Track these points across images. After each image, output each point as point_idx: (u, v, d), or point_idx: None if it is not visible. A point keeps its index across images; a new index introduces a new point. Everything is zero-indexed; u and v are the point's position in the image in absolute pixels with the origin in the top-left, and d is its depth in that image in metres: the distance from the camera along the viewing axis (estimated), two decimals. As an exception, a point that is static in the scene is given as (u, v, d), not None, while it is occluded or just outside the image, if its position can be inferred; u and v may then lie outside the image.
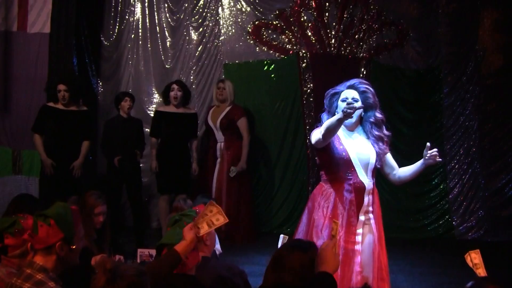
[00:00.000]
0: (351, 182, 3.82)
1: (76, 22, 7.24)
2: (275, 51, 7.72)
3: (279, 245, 3.33)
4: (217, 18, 7.76)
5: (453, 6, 7.61)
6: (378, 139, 3.90)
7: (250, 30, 7.71)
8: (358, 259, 3.75)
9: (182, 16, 7.84)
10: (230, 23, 7.76)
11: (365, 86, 3.92)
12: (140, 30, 7.86)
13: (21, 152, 7.27)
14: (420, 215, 7.63)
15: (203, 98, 7.81)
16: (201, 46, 7.80)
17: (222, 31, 7.76)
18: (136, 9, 7.87)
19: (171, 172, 6.72)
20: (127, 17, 7.88)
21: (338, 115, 3.57)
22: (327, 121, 3.67)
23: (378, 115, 3.91)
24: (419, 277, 5.79)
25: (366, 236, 3.81)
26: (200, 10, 7.80)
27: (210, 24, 7.78)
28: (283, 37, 7.70)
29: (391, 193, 7.36)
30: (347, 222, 3.78)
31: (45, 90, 6.64)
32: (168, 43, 7.87)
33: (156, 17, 7.83)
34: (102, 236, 4.32)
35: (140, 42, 7.86)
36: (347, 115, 3.49)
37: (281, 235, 3.37)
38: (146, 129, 7.01)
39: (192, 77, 7.81)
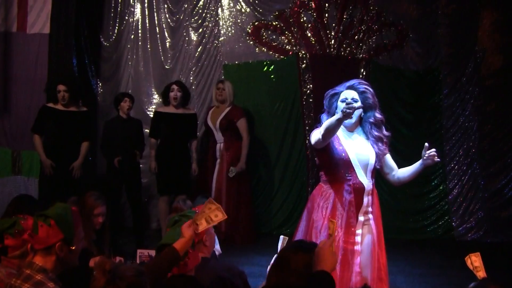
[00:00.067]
0: (351, 182, 3.82)
1: (75, 22, 7.25)
2: (274, 52, 7.72)
3: (279, 246, 3.34)
4: (217, 18, 7.76)
5: (453, 7, 7.62)
6: (378, 139, 3.91)
7: (249, 31, 7.71)
8: (357, 259, 3.75)
9: (181, 17, 7.85)
10: (230, 23, 7.76)
11: (364, 86, 3.93)
12: (139, 31, 7.86)
13: (20, 152, 7.27)
14: (419, 216, 7.63)
15: (203, 99, 7.81)
16: (200, 47, 7.80)
17: (222, 31, 7.76)
18: (135, 10, 7.87)
19: (170, 173, 6.72)
20: (126, 17, 7.88)
21: (337, 115, 3.57)
22: (327, 121, 3.68)
23: (378, 115, 3.92)
24: (419, 278, 5.79)
25: (366, 236, 3.82)
26: (200, 11, 7.80)
27: (210, 25, 7.78)
28: (282, 38, 7.70)
29: (391, 194, 7.36)
30: (346, 223, 3.78)
31: (44, 90, 6.64)
32: (167, 44, 7.88)
33: (155, 18, 7.83)
34: (102, 237, 4.32)
35: (140, 43, 7.86)
36: (346, 115, 3.49)
37: (281, 236, 3.37)
38: (146, 130, 7.01)
39: (191, 78, 7.81)
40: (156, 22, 7.83)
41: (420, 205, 7.64)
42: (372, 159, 3.87)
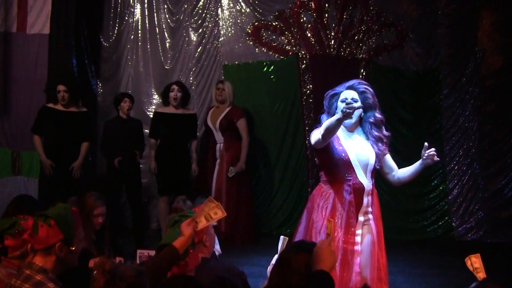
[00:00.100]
0: (351, 183, 3.82)
1: (75, 23, 7.25)
2: (274, 52, 7.72)
3: (279, 246, 3.34)
4: (217, 19, 7.76)
5: (453, 7, 7.62)
6: (378, 139, 3.90)
7: (249, 31, 7.71)
8: (357, 259, 3.75)
9: (181, 17, 7.85)
10: (230, 24, 7.76)
11: (364, 86, 3.93)
12: (139, 31, 7.86)
13: (20, 153, 7.27)
14: (419, 216, 7.63)
15: (203, 99, 7.81)
16: (200, 47, 7.80)
17: (222, 32, 7.76)
18: (135, 10, 7.87)
19: (170, 173, 6.73)
20: (126, 18, 7.88)
21: (337, 115, 3.57)
22: (327, 121, 3.68)
23: (378, 115, 3.92)
24: (419, 278, 5.78)
25: (365, 237, 3.82)
26: (200, 11, 7.80)
27: (210, 25, 7.78)
28: (282, 38, 7.70)
29: (391, 194, 7.36)
30: (346, 223, 3.78)
31: (44, 91, 6.65)
32: (167, 44, 7.87)
33: (155, 18, 7.84)
34: (102, 237, 4.32)
35: (140, 43, 7.86)
36: (346, 115, 3.49)
37: (281, 236, 3.37)
38: (146, 130, 7.01)
39: (191, 78, 7.81)
40: (156, 23, 7.84)
41: (420, 205, 7.64)
42: (372, 159, 3.87)
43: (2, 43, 7.19)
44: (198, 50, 7.80)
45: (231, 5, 7.74)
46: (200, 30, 7.80)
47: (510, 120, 7.54)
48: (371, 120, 3.91)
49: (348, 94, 3.89)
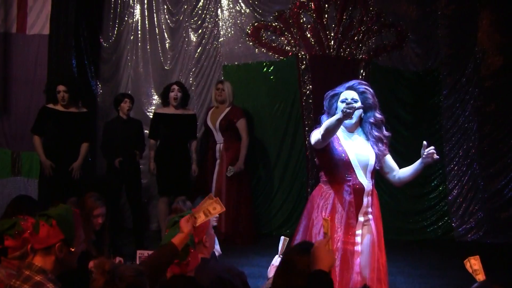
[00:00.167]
0: (351, 183, 3.82)
1: (75, 23, 7.24)
2: (274, 53, 7.72)
3: (280, 246, 3.34)
4: (216, 19, 7.76)
5: (452, 7, 7.62)
6: (378, 140, 3.90)
7: (249, 31, 7.71)
8: (357, 260, 3.75)
9: (181, 18, 7.85)
10: (229, 24, 7.76)
11: (364, 87, 3.93)
12: (139, 32, 7.86)
13: (20, 153, 7.28)
14: (419, 216, 7.63)
15: (202, 100, 7.81)
16: (200, 48, 7.80)
17: (221, 32, 7.76)
18: (135, 11, 7.87)
19: (170, 174, 6.72)
20: (126, 18, 7.88)
21: (337, 115, 3.57)
22: (327, 121, 3.68)
23: (378, 115, 3.92)
24: (418, 279, 5.78)
25: (365, 237, 3.82)
26: (199, 11, 7.80)
27: (209, 26, 7.78)
28: (282, 38, 7.70)
29: (390, 195, 7.36)
30: (346, 224, 3.78)
31: (44, 91, 6.65)
32: (167, 45, 7.87)
33: (155, 19, 7.84)
34: (101, 238, 4.32)
35: (139, 44, 7.86)
36: (346, 115, 3.49)
37: (282, 237, 3.38)
38: (146, 131, 7.01)
39: (191, 79, 7.81)
40: (156, 23, 7.84)
41: (420, 205, 7.64)
42: (372, 160, 3.87)
43: (2, 44, 7.20)
44: (198, 51, 7.80)
45: (231, 5, 7.74)
46: (200, 31, 7.80)
47: (510, 120, 7.54)
48: (371, 120, 3.91)
49: (348, 95, 3.88)
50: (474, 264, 2.77)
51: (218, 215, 4.67)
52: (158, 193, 6.96)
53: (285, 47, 7.70)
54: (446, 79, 7.64)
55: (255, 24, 7.71)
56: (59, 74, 6.90)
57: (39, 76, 7.15)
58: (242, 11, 7.73)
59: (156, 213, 7.38)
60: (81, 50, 7.64)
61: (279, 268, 2.50)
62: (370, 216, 3.86)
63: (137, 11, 7.87)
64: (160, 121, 6.85)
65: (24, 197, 4.43)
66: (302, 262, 2.41)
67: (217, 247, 4.50)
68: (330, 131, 3.64)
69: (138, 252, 4.13)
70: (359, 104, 3.81)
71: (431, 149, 3.70)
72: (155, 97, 7.74)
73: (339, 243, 3.73)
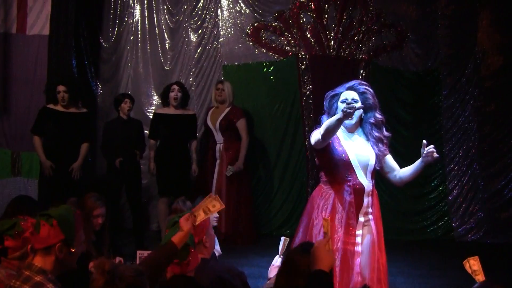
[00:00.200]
0: (351, 183, 3.82)
1: (75, 24, 7.25)
2: (274, 53, 7.72)
3: (280, 247, 3.34)
4: (216, 20, 7.77)
5: (452, 8, 7.62)
6: (378, 140, 3.90)
7: (249, 32, 7.71)
8: (357, 260, 3.75)
9: (181, 18, 7.85)
10: (229, 25, 7.76)
11: (364, 87, 3.93)
12: (139, 32, 7.86)
13: (20, 154, 7.28)
14: (419, 217, 7.63)
15: (202, 100, 7.81)
16: (200, 48, 7.80)
17: (221, 33, 7.76)
18: (135, 11, 7.87)
19: (170, 174, 6.72)
20: (126, 19, 7.88)
21: (337, 115, 3.57)
22: (327, 121, 3.68)
23: (378, 116, 3.92)
24: (418, 279, 5.78)
25: (365, 237, 3.81)
26: (199, 12, 7.80)
27: (209, 26, 7.78)
28: (282, 39, 7.70)
29: (390, 195, 7.36)
30: (346, 224, 3.78)
31: (44, 92, 6.65)
32: (167, 45, 7.88)
33: (155, 19, 7.84)
34: (101, 238, 4.32)
35: (139, 44, 7.86)
36: (346, 114, 3.49)
37: (282, 237, 3.37)
38: (146, 131, 7.01)
39: (191, 79, 7.81)
40: (156, 23, 7.84)
41: (420, 206, 7.64)
42: (372, 160, 3.87)
43: (1, 44, 7.20)
44: (198, 51, 7.81)
45: (231, 6, 7.74)
46: (200, 31, 7.80)
47: (510, 120, 7.54)
48: (372, 121, 3.91)
49: (349, 95, 3.88)
50: (473, 264, 2.77)
51: (218, 215, 4.70)
52: (158, 194, 6.96)
53: (285, 47, 7.70)
54: (446, 79, 7.64)
55: (255, 24, 7.71)
56: (59, 74, 6.91)
57: (39, 76, 7.15)
58: (242, 11, 7.73)
59: (156, 213, 7.38)
60: (81, 51, 7.65)
61: (281, 268, 2.51)
62: (370, 217, 3.86)
63: (137, 11, 7.87)
64: (160, 121, 6.85)
65: (24, 197, 4.43)
66: (304, 262, 2.41)
67: (217, 247, 4.50)
68: (330, 131, 3.64)
69: (138, 252, 4.13)
70: (359, 104, 3.81)
71: (430, 147, 3.70)
72: (155, 97, 7.74)
73: (339, 243, 3.73)
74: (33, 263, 2.49)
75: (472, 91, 7.60)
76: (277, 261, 3.25)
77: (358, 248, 3.77)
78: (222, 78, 7.60)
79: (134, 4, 7.85)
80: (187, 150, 6.90)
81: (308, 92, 7.63)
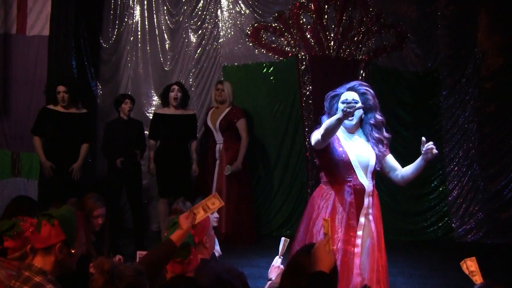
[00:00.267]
0: (351, 184, 3.82)
1: (75, 24, 7.25)
2: (274, 54, 7.72)
3: (280, 247, 3.33)
4: (216, 20, 7.77)
5: (452, 8, 7.62)
6: (378, 141, 3.91)
7: (249, 32, 7.71)
8: (357, 261, 3.75)
9: (181, 19, 7.85)
10: (229, 25, 7.76)
11: (365, 88, 3.93)
12: (139, 33, 7.86)
13: (20, 154, 7.27)
14: (419, 217, 7.63)
15: (202, 100, 7.81)
16: (200, 49, 7.80)
17: (221, 33, 7.76)
18: (135, 12, 7.87)
19: (170, 175, 6.72)
20: (126, 19, 7.88)
21: (337, 115, 3.58)
22: (327, 121, 3.68)
23: (378, 117, 3.92)
24: (419, 279, 5.78)
25: (365, 238, 3.81)
26: (199, 12, 7.80)
27: (209, 27, 7.78)
28: (282, 39, 7.70)
29: (390, 196, 7.36)
30: (346, 224, 3.78)
31: (44, 92, 6.65)
32: (167, 46, 7.87)
33: (155, 20, 7.84)
34: (101, 238, 4.31)
35: (139, 45, 7.86)
36: (346, 114, 3.49)
37: (282, 238, 3.37)
38: (146, 132, 7.01)
39: (191, 80, 7.81)
40: (156, 24, 7.84)
41: (420, 206, 7.64)
42: (372, 161, 3.87)
43: (1, 45, 7.19)
44: (198, 52, 7.81)
45: (231, 6, 7.74)
46: (200, 32, 7.80)
47: (510, 121, 7.54)
48: (372, 121, 3.91)
49: (349, 95, 3.89)
50: (470, 265, 2.78)
51: (218, 216, 4.69)
52: (158, 194, 6.95)
53: (285, 47, 7.70)
54: (446, 80, 7.64)
55: (255, 25, 7.71)
56: (59, 75, 6.90)
57: (39, 77, 7.15)
58: (242, 12, 7.74)
59: (156, 213, 7.38)
60: (81, 51, 7.65)
61: (286, 269, 2.51)
62: (371, 217, 3.86)
63: (137, 12, 7.87)
64: (160, 121, 6.85)
65: (24, 197, 4.43)
66: (309, 264, 2.41)
67: (217, 248, 4.50)
68: (330, 131, 3.64)
69: (138, 252, 4.13)
70: (359, 104, 3.81)
71: (430, 144, 3.70)
72: (155, 98, 7.74)
73: (339, 244, 3.73)
74: (32, 264, 2.49)
75: (472, 91, 7.60)
76: (277, 261, 3.24)
77: (358, 249, 3.77)
78: (222, 78, 7.60)
79: (134, 4, 7.86)
80: (187, 150, 6.89)
81: (308, 93, 7.63)
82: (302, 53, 7.66)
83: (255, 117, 7.61)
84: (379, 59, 7.68)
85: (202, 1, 7.78)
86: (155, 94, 7.76)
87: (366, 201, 3.84)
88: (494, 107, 7.60)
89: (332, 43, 7.64)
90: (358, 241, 3.79)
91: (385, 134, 3.96)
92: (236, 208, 6.96)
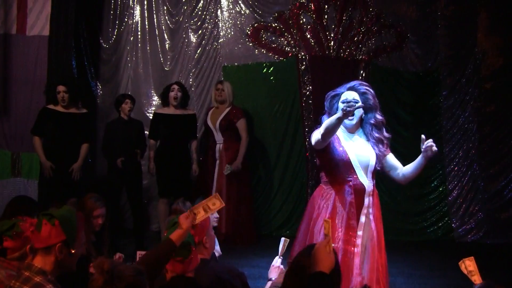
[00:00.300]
0: (351, 183, 3.82)
1: (75, 24, 7.25)
2: (274, 54, 7.72)
3: (280, 248, 3.33)
4: (216, 20, 7.76)
5: (452, 8, 7.62)
6: (378, 141, 3.91)
7: (249, 32, 7.71)
8: (357, 260, 3.75)
9: (181, 19, 7.85)
10: (229, 25, 7.76)
11: (365, 87, 3.94)
12: (139, 33, 7.86)
13: (20, 154, 7.27)
14: (419, 217, 7.63)
15: (202, 101, 7.81)
16: (200, 49, 7.80)
17: (221, 33, 7.76)
18: (135, 12, 7.87)
19: (170, 175, 6.72)
20: (126, 19, 7.88)
21: (337, 114, 3.58)
22: (327, 121, 3.68)
23: (379, 116, 3.92)
24: (419, 279, 5.78)
25: (366, 237, 3.81)
26: (199, 12, 7.80)
27: (209, 27, 7.78)
28: (282, 39, 7.70)
29: (390, 196, 7.36)
30: (346, 224, 3.78)
31: (44, 92, 6.65)
32: (167, 46, 7.87)
33: (155, 20, 7.84)
34: (101, 238, 4.31)
35: (139, 45, 7.86)
36: (346, 113, 3.49)
37: (282, 238, 3.37)
38: (147, 132, 7.01)
39: (191, 80, 7.81)
40: (156, 24, 7.84)
41: (420, 206, 7.64)
42: (372, 160, 3.88)
43: (1, 45, 7.19)
44: (198, 52, 7.80)
45: (231, 6, 7.74)
46: (200, 32, 7.80)
47: (510, 121, 7.54)
48: (372, 121, 3.92)
49: (349, 95, 3.89)
50: (469, 265, 2.78)
51: (218, 216, 4.69)
52: (158, 194, 6.95)
53: (285, 48, 7.70)
54: (446, 80, 7.64)
55: (255, 25, 7.71)
56: (59, 75, 6.90)
57: (39, 77, 7.15)
58: (242, 12, 7.74)
59: (156, 214, 7.38)
60: (81, 51, 7.64)
61: (289, 270, 2.51)
62: (371, 217, 3.86)
63: (137, 12, 7.87)
64: (160, 121, 6.85)
65: (24, 197, 4.43)
66: (310, 264, 2.42)
67: (217, 248, 4.50)
68: (330, 131, 3.64)
69: (138, 253, 4.12)
70: (359, 104, 3.81)
71: (429, 141, 3.71)
72: (155, 98, 7.74)
73: (339, 243, 3.73)
74: (32, 264, 2.49)
75: (472, 91, 7.60)
76: (277, 261, 3.24)
77: (358, 249, 3.77)
78: (222, 78, 7.60)
79: (134, 4, 7.86)
80: (187, 150, 6.89)
81: (308, 93, 7.63)
82: (302, 53, 7.66)
83: (255, 117, 7.61)
84: (379, 59, 7.68)
85: (202, 1, 7.78)
86: (155, 94, 7.75)
87: (366, 200, 3.84)
88: (494, 107, 7.60)
89: (332, 43, 7.64)
90: (358, 240, 3.79)
91: (385, 134, 3.96)
92: (236, 208, 6.96)
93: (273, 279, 3.10)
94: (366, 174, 3.86)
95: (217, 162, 7.03)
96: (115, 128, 6.68)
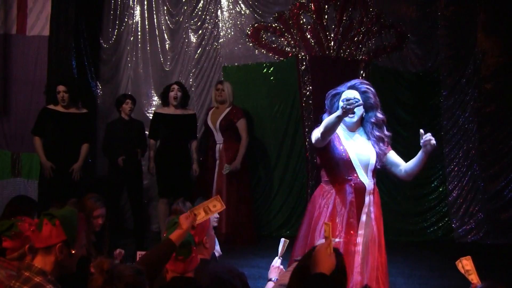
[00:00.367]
0: (352, 183, 3.82)
1: (75, 24, 7.24)
2: (274, 54, 7.72)
3: (280, 248, 3.33)
4: (216, 20, 7.76)
5: (452, 8, 7.62)
6: (379, 139, 3.91)
7: (249, 32, 7.71)
8: (357, 259, 3.75)
9: (181, 19, 7.85)
10: (229, 25, 7.76)
11: (366, 86, 3.94)
12: (139, 33, 7.86)
13: (20, 154, 7.27)
14: (419, 217, 7.63)
15: (202, 101, 7.81)
16: (200, 49, 7.80)
17: (221, 33, 7.76)
18: (135, 12, 7.87)
19: (170, 175, 6.72)
20: (126, 19, 7.88)
21: (337, 112, 3.58)
22: (326, 119, 3.68)
23: (379, 115, 3.92)
24: (419, 280, 5.78)
25: (366, 236, 3.82)
26: (199, 12, 7.80)
27: (209, 27, 7.78)
28: (282, 39, 7.70)
29: (390, 196, 7.36)
30: (347, 223, 3.78)
31: (44, 92, 6.65)
32: (167, 46, 7.87)
33: (155, 20, 7.84)
34: (101, 239, 4.31)
35: (139, 45, 7.86)
36: (346, 111, 3.49)
37: (282, 239, 3.37)
38: (147, 132, 7.01)
39: (191, 80, 7.81)
40: (156, 24, 7.84)
41: (420, 207, 7.63)
42: (372, 159, 3.88)
43: (1, 45, 7.19)
44: (198, 52, 7.80)
45: (231, 6, 7.74)
46: (200, 32, 7.80)
47: (510, 121, 7.54)
48: (373, 120, 3.92)
49: (350, 94, 3.89)
50: (466, 264, 2.78)
51: (218, 216, 4.69)
52: (158, 194, 6.95)
53: (285, 48, 7.70)
54: (446, 80, 7.64)
55: (255, 25, 7.71)
56: (59, 75, 6.90)
57: (39, 77, 7.15)
58: (242, 12, 7.73)
59: (156, 214, 7.37)
60: (81, 51, 7.64)
61: (294, 272, 2.51)
62: (372, 215, 3.86)
63: (137, 12, 7.87)
64: (160, 121, 6.85)
65: (23, 197, 4.44)
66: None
67: (217, 248, 4.50)
68: (330, 129, 3.64)
69: (138, 253, 4.12)
70: (360, 102, 3.81)
71: (427, 136, 3.71)
72: (155, 98, 7.74)
73: (339, 243, 3.73)
74: (33, 264, 2.49)
75: (472, 91, 7.60)
76: (276, 262, 3.24)
77: (358, 248, 3.77)
78: (222, 78, 7.60)
79: (134, 5, 7.85)
80: (187, 150, 6.89)
81: (308, 93, 7.63)
82: (302, 53, 7.66)
83: (255, 117, 7.61)
84: (379, 60, 7.67)
85: (202, 1, 7.78)
86: (155, 94, 7.75)
87: (367, 199, 3.85)
88: (494, 108, 7.59)
89: (332, 43, 7.64)
90: (359, 239, 3.79)
91: (386, 132, 3.96)
92: (236, 209, 6.95)
93: (273, 279, 3.10)
94: (367, 173, 3.86)
95: (217, 162, 7.03)
96: (115, 128, 6.68)
